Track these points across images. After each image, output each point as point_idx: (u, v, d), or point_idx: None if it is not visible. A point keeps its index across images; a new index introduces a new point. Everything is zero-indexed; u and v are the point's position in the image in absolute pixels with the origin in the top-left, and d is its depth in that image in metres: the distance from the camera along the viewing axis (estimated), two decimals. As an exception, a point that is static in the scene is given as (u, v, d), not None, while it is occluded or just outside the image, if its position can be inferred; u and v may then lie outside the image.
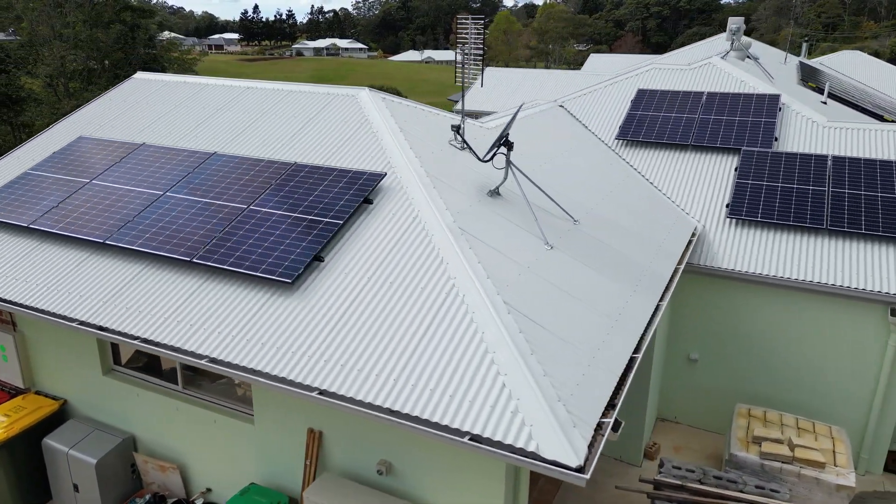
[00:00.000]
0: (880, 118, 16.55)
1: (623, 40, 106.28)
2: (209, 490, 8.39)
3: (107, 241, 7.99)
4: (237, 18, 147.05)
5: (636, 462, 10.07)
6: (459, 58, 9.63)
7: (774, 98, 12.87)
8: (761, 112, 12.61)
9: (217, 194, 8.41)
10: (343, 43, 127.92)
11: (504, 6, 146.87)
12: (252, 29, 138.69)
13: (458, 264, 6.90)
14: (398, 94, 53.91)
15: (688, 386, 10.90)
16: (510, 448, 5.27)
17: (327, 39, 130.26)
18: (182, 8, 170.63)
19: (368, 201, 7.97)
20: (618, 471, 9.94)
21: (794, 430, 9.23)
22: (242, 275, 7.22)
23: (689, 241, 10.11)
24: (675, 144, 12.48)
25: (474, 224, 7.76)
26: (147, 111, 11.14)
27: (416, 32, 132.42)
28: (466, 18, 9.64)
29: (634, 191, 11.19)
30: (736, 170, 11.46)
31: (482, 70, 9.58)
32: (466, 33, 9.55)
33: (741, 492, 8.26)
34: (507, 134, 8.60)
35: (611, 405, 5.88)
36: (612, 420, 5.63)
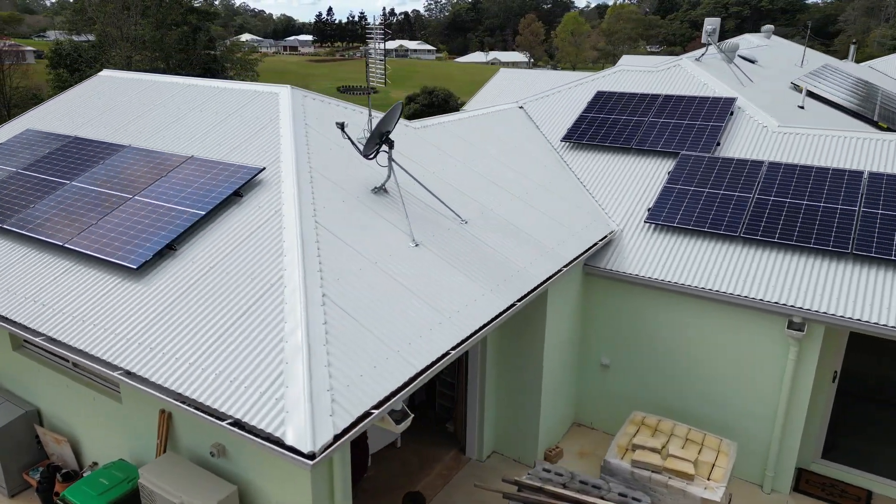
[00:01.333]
0: (874, 124, 15.74)
1: (697, 41, 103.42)
2: (95, 464, 8.89)
3: (3, 226, 8.60)
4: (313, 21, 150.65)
5: (532, 465, 10.02)
6: (380, 56, 9.86)
7: (729, 101, 12.49)
8: (712, 116, 12.27)
9: (112, 185, 8.90)
10: (411, 44, 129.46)
11: (575, 7, 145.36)
12: (325, 31, 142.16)
13: (294, 256, 7.12)
14: (450, 95, 54.12)
15: (601, 391, 10.75)
16: (261, 433, 5.47)
17: (396, 41, 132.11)
18: (263, 11, 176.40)
19: (238, 194, 8.28)
20: (514, 471, 9.91)
21: (681, 441, 9.01)
22: (102, 260, 7.66)
23: (595, 244, 9.98)
24: (618, 147, 12.29)
25: (338, 219, 7.96)
26: (97, 106, 11.82)
27: (484, 34, 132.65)
28: (382, 16, 9.84)
29: (558, 193, 11.11)
30: (669, 174, 11.22)
31: (385, 70, 9.76)
32: (371, 34, 9.76)
33: (602, 498, 8.15)
34: (389, 132, 8.75)
35: (391, 397, 5.97)
36: (378, 412, 5.74)
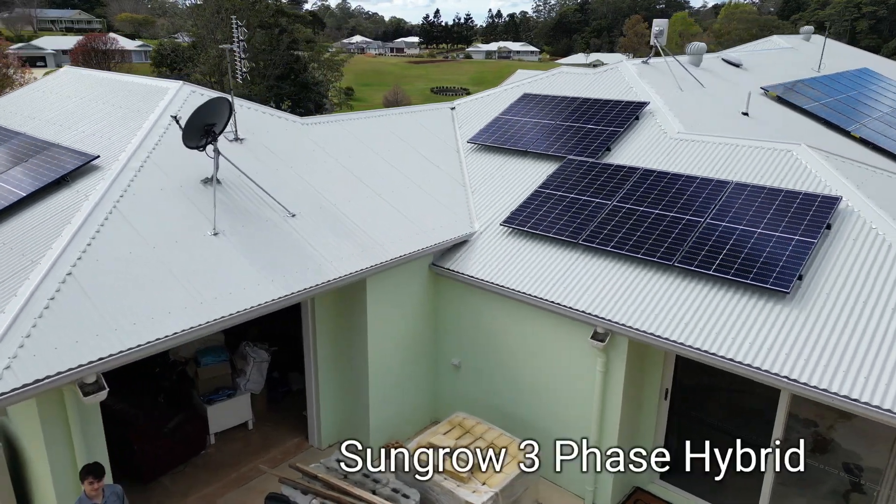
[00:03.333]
0: (847, 134, 14.58)
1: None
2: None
3: None
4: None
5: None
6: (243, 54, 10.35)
7: (638, 106, 12.05)
8: (615, 120, 11.89)
9: (-16, 168, 9.89)
10: (514, 46, 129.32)
11: (690, 7, 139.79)
12: (432, 33, 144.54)
13: (66, 238, 7.70)
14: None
15: (454, 391, 10.73)
16: (-69, 390, 6.09)
17: (499, 42, 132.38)
18: (376, 13, 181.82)
19: (64, 180, 9.00)
20: (346, 463, 10.11)
21: (484, 444, 8.91)
22: (-69, 234, 8.59)
23: (436, 244, 9.99)
24: (516, 150, 12.14)
25: (142, 206, 8.49)
26: (37, 98, 12.99)
27: (591, 35, 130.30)
28: (236, 21, 10.33)
29: (433, 193, 11.17)
30: (547, 178, 11.02)
31: (240, 67, 10.22)
32: (235, 33, 10.24)
33: (373, 492, 8.24)
34: (214, 124, 9.19)
35: (75, 370, 6.43)
36: (49, 381, 6.22)
